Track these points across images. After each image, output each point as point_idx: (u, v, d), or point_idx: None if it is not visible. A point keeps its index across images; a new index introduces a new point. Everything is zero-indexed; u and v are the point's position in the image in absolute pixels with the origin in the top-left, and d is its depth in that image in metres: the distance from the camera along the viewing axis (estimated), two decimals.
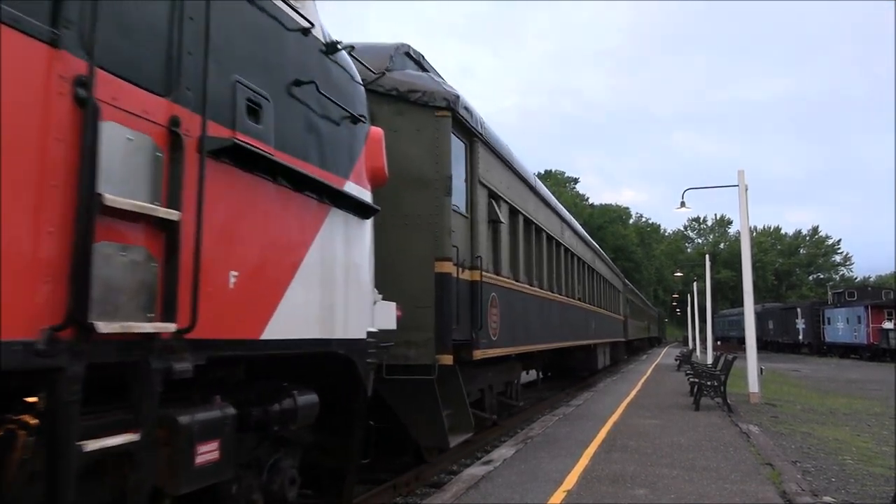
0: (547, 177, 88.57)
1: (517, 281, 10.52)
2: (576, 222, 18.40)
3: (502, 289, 9.42)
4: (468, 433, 8.29)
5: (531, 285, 11.61)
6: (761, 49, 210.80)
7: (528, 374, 15.80)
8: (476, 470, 7.75)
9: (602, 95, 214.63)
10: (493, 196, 9.24)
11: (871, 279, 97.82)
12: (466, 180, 8.34)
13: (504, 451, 8.93)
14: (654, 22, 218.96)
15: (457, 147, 7.88)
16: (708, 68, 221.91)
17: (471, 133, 8.36)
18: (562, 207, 15.92)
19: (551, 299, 13.36)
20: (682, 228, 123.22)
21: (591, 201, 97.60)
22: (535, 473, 7.52)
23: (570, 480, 7.16)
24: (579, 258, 17.65)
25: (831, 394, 20.91)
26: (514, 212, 10.55)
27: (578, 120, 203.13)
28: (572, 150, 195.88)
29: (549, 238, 13.54)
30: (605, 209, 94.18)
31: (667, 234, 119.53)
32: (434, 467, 8.53)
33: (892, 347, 40.93)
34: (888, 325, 42.55)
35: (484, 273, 8.42)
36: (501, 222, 9.55)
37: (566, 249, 15.54)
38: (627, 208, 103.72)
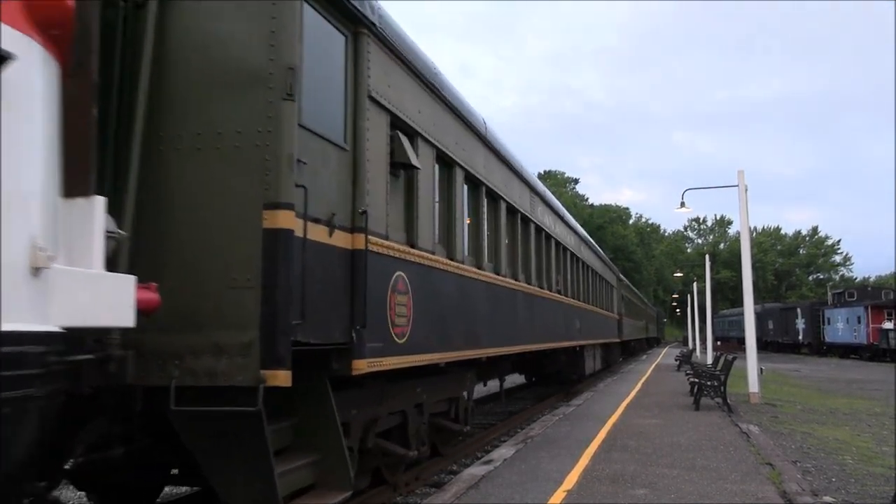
0: (547, 177, 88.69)
1: (452, 260, 7.65)
2: (555, 199, 14.98)
3: (419, 268, 6.61)
4: (344, 492, 5.18)
5: (479, 268, 8.71)
6: (761, 48, 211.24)
7: (485, 385, 12.77)
8: (476, 470, 7.77)
9: (602, 95, 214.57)
10: (401, 128, 6.34)
11: (871, 279, 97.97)
12: (346, 92, 5.47)
13: (504, 451, 8.95)
14: (653, 21, 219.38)
15: (318, 30, 5.07)
16: (708, 68, 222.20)
17: (354, 18, 5.46)
18: (533, 176, 12.64)
19: (513, 289, 10.36)
20: (681, 229, 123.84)
21: (590, 201, 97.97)
22: (536, 473, 7.52)
23: (571, 480, 7.18)
24: (558, 241, 14.37)
25: (831, 394, 20.91)
26: (446, 162, 7.66)
27: (578, 120, 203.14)
28: (572, 150, 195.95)
29: (513, 210, 10.63)
30: (605, 209, 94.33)
31: (667, 234, 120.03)
32: (434, 467, 8.53)
33: (892, 347, 40.96)
34: (888, 325, 42.58)
35: (381, 241, 5.75)
36: (417, 168, 6.57)
37: (539, 228, 12.46)
38: (627, 208, 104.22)
